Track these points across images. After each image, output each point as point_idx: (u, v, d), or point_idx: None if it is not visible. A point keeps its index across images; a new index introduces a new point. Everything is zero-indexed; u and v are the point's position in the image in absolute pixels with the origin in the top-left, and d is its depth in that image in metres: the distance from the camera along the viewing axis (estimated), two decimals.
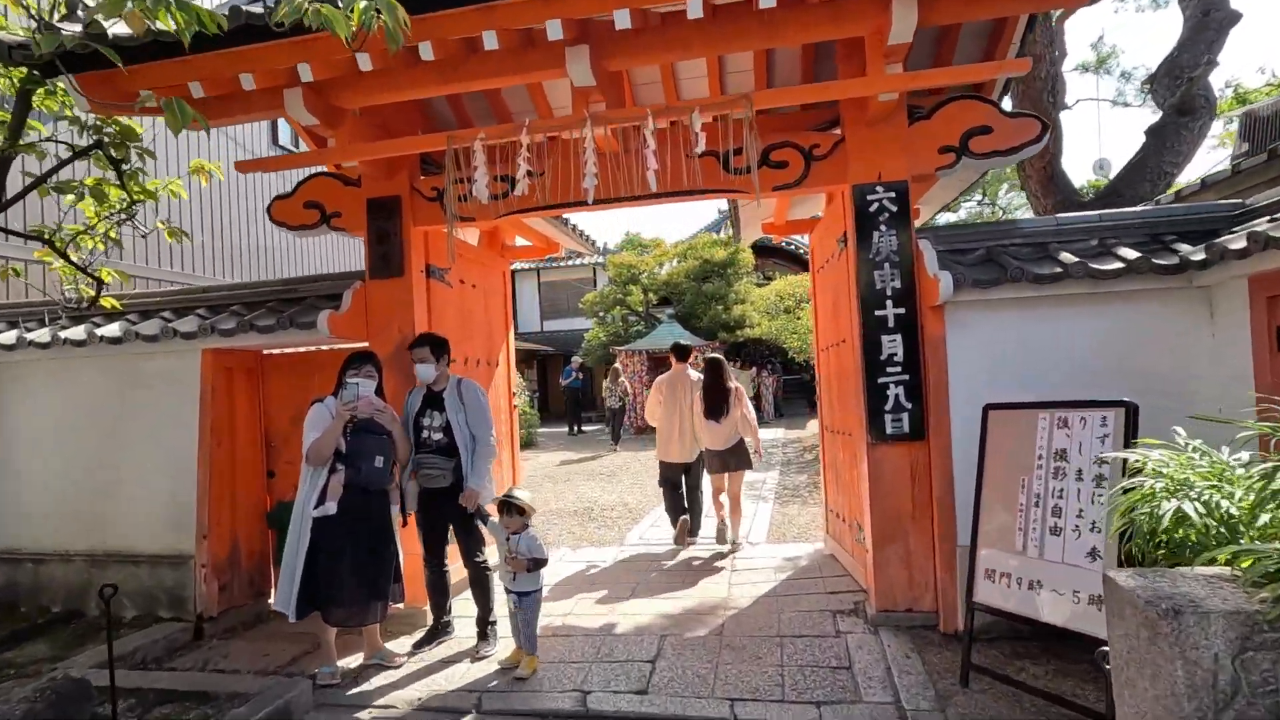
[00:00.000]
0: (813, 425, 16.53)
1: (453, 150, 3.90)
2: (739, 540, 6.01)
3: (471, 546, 4.06)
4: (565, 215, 6.23)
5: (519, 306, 25.10)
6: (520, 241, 6.77)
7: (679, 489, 6.18)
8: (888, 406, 3.97)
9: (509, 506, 3.76)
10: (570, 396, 17.64)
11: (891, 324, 3.97)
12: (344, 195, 4.71)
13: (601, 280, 22.32)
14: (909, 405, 3.94)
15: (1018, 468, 3.19)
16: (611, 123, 3.72)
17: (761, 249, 20.75)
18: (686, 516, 6.11)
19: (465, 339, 5.39)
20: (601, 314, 19.84)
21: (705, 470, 6.08)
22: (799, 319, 14.08)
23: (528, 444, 15.40)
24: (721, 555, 5.75)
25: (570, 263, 24.64)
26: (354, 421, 3.67)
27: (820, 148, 4.17)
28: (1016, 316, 3.78)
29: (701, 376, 6.02)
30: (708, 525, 6.29)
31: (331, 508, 3.57)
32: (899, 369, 3.96)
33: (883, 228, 4.01)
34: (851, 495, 4.74)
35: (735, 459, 5.83)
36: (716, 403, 5.74)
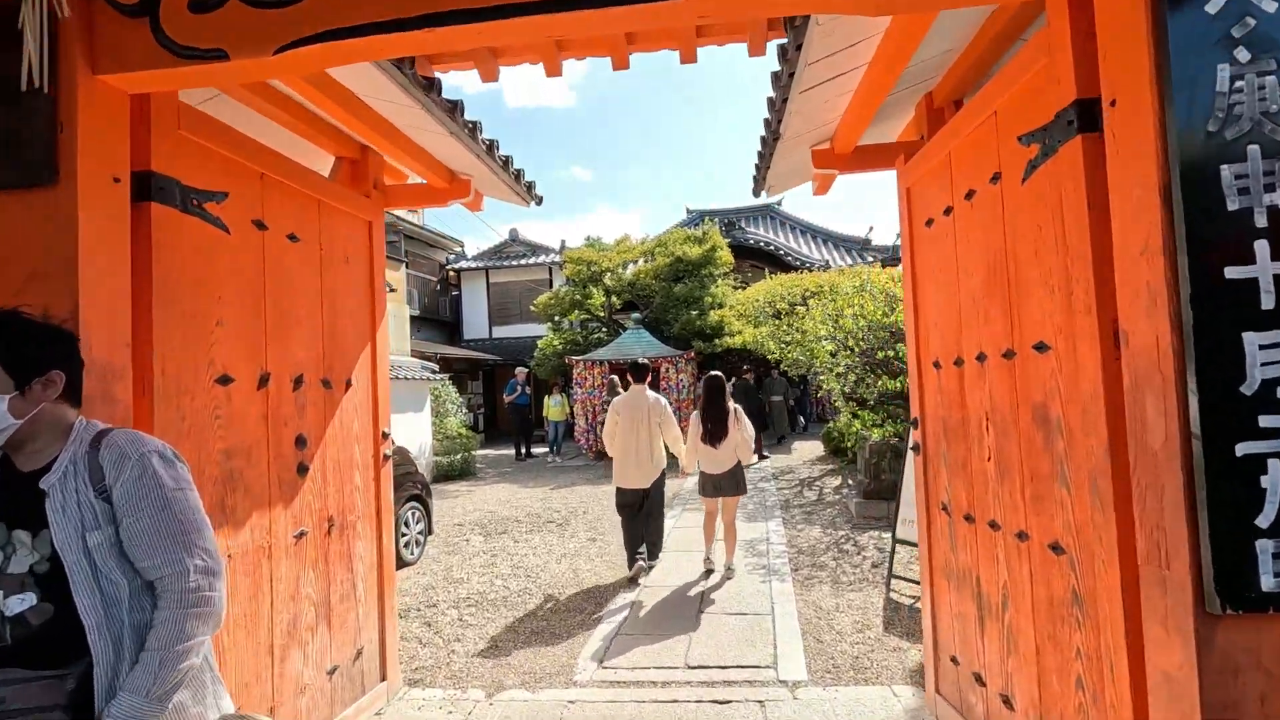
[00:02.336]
0: (799, 449, 14.14)
1: None
2: (733, 566, 5.67)
3: None
4: (455, 100, 3.63)
5: (464, 311, 22.26)
6: (413, 180, 4.19)
7: (637, 517, 5.78)
8: (1262, 519, 1.52)
9: None
10: (516, 414, 14.89)
11: (1272, 302, 1.53)
12: None
13: (559, 282, 19.65)
14: None
15: None
16: None
17: (738, 248, 18.49)
18: (641, 562, 5.71)
19: (275, 337, 2.79)
20: (557, 318, 17.15)
21: (699, 494, 5.79)
22: (792, 326, 11.74)
23: (464, 474, 12.66)
24: (711, 592, 5.14)
25: (524, 262, 22.01)
26: None
27: None
28: None
29: (659, 398, 5.85)
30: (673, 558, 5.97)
31: None
32: None
33: (1236, 61, 1.57)
34: (1044, 671, 2.27)
35: (731, 484, 5.50)
36: (718, 427, 5.38)
